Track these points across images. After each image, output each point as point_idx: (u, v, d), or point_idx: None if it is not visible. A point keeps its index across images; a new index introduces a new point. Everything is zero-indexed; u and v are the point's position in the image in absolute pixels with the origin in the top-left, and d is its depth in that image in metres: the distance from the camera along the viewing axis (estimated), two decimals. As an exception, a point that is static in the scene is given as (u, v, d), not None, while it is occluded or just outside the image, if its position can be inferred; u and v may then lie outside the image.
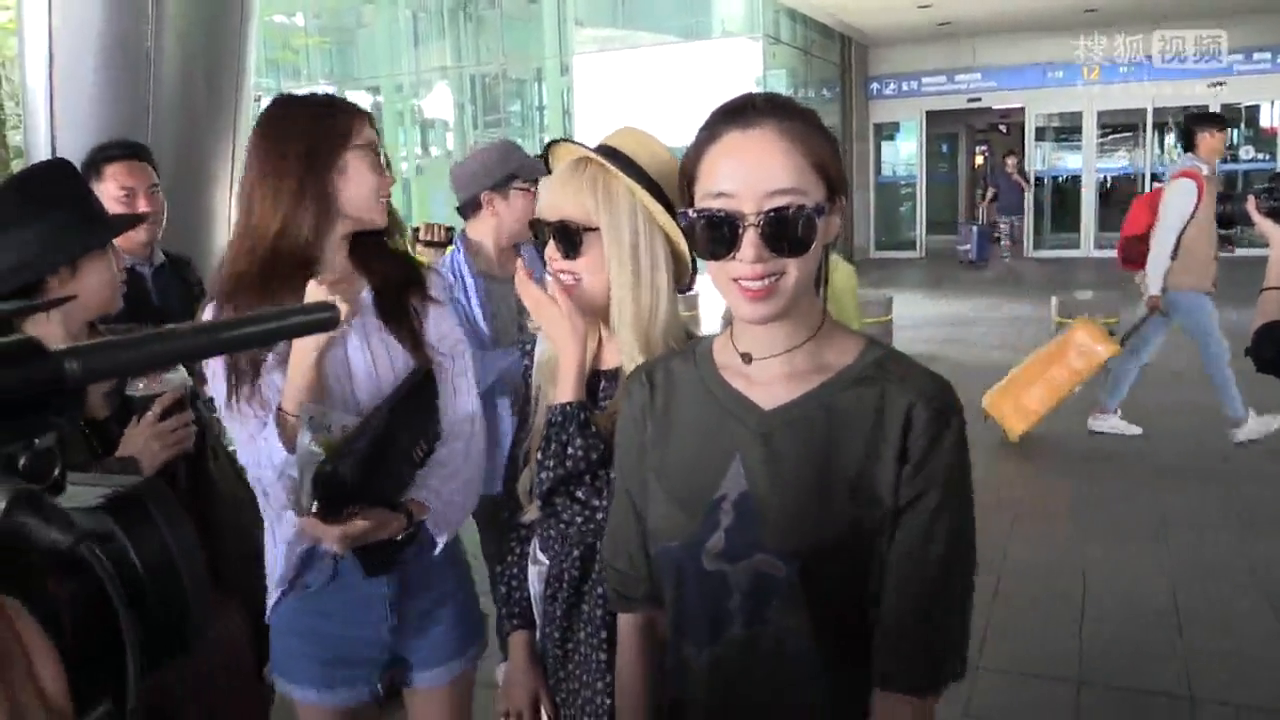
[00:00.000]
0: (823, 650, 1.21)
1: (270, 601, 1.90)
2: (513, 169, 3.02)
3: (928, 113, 17.93)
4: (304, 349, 1.70)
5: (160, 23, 5.61)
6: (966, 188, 21.67)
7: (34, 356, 0.54)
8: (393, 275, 1.88)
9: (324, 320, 0.71)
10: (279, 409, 1.73)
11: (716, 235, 1.15)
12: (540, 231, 1.61)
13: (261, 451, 1.74)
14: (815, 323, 1.25)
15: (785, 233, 1.14)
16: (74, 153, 5.67)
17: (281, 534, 1.83)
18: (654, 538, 1.32)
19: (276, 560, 1.86)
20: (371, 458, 1.64)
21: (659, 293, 1.56)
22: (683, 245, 1.56)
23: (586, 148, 1.61)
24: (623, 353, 1.58)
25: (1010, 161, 17.20)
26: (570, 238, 1.56)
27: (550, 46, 16.88)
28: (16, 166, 12.96)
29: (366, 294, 1.84)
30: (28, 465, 0.54)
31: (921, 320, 10.67)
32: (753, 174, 1.14)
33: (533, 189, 2.96)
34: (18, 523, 0.50)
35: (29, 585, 0.53)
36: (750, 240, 1.14)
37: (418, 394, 1.78)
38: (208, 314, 1.77)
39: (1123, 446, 6.15)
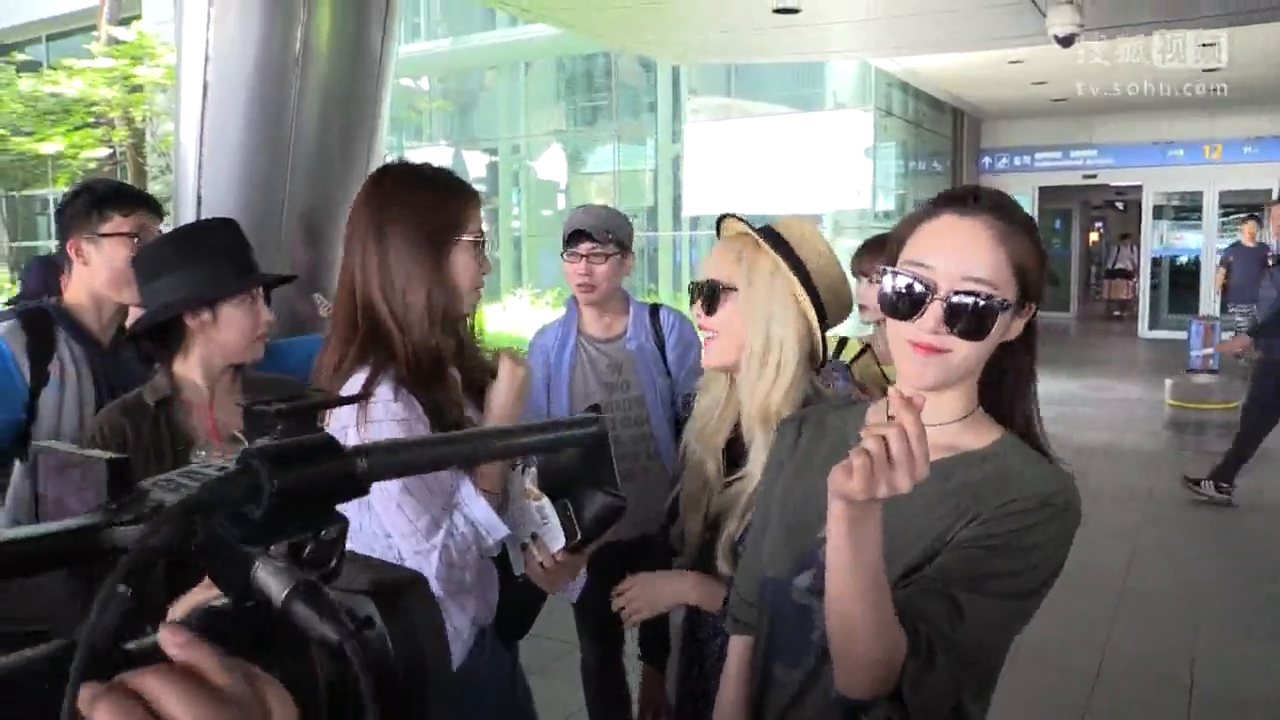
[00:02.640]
0: (890, 698, 1.23)
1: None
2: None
3: (1040, 188, 17.69)
4: (495, 419, 1.71)
5: (304, 89, 5.97)
6: (1080, 264, 21.24)
7: (332, 454, 0.58)
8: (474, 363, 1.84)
9: (592, 435, 0.72)
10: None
11: (905, 297, 1.24)
12: (693, 291, 1.78)
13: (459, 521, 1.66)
14: (968, 408, 1.32)
15: (966, 316, 1.21)
16: (217, 205, 6.04)
17: (464, 616, 1.76)
18: (762, 569, 1.42)
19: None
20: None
21: (786, 367, 1.66)
22: (815, 326, 1.68)
23: (748, 223, 1.76)
24: (745, 425, 1.73)
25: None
26: (711, 295, 1.72)
27: (663, 114, 17.30)
28: (156, 214, 13.76)
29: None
30: (312, 553, 0.57)
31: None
32: (955, 255, 1.23)
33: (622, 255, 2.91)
34: (294, 611, 0.53)
35: (292, 663, 0.55)
36: (933, 312, 1.22)
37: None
38: (385, 392, 1.66)
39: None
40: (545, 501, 1.68)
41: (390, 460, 0.61)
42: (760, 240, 1.69)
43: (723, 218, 1.82)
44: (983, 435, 1.32)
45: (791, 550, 1.36)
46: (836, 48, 11.41)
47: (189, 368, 2.02)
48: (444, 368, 1.70)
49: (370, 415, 1.61)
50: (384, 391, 1.63)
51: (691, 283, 1.80)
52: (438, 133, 20.18)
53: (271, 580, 0.54)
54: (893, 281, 1.25)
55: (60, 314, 2.32)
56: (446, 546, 1.60)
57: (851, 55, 13.17)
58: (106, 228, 2.32)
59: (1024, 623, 1.25)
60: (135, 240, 2.32)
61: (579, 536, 1.66)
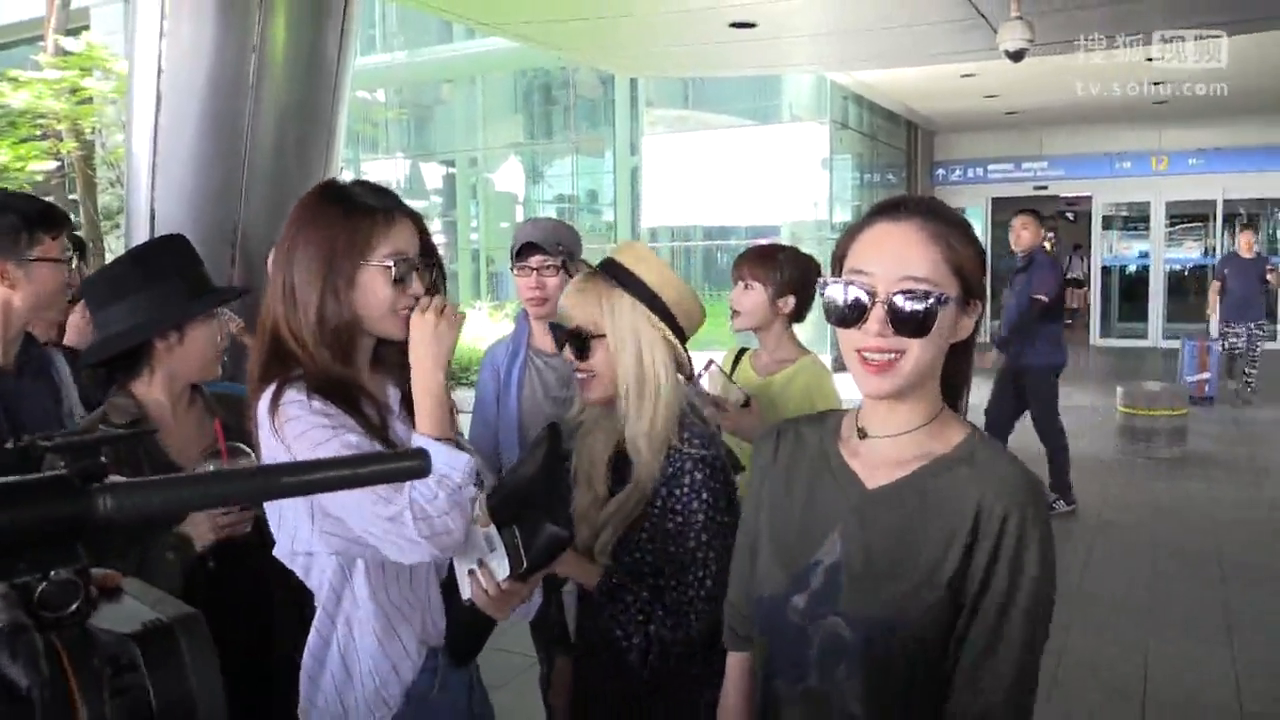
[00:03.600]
0: (879, 718, 1.27)
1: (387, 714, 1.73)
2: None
3: (993, 199, 17.96)
4: (425, 369, 1.62)
5: (259, 100, 5.92)
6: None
7: (62, 494, 0.56)
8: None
9: (412, 469, 0.68)
10: (424, 435, 1.62)
11: (849, 306, 1.27)
12: (559, 333, 1.89)
13: (426, 492, 1.57)
14: (931, 412, 1.34)
15: (909, 314, 1.24)
16: (170, 218, 5.96)
17: (412, 635, 1.72)
18: (755, 586, 1.44)
19: (396, 669, 1.72)
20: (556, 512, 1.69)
21: (661, 391, 1.81)
22: (678, 349, 1.85)
23: (597, 263, 1.90)
24: (629, 438, 1.83)
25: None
26: (581, 344, 1.84)
27: (621, 126, 17.34)
28: (105, 227, 13.54)
29: (393, 394, 1.77)
30: (45, 596, 0.55)
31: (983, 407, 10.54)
32: (891, 259, 1.26)
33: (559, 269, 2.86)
34: None
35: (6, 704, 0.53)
36: (877, 316, 1.25)
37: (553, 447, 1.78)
38: (293, 396, 1.62)
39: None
40: (492, 529, 1.67)
41: (141, 499, 0.58)
42: (607, 282, 1.83)
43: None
44: (950, 437, 1.34)
45: (786, 570, 1.38)
46: (792, 61, 11.52)
47: (152, 388, 2.02)
48: (351, 392, 1.65)
49: (286, 414, 1.58)
50: (291, 395, 1.61)
51: (556, 326, 1.90)
52: (394, 145, 20.08)
53: None
54: (835, 291, 1.28)
55: None
56: (413, 501, 1.52)
57: (807, 69, 13.31)
58: (36, 251, 2.20)
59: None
60: (62, 265, 2.23)
61: (524, 566, 1.63)
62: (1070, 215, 21.56)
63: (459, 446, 1.62)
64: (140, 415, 1.99)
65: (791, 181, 14.45)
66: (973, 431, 1.36)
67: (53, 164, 14.00)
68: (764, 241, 3.45)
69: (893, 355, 1.25)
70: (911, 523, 1.29)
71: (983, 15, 7.79)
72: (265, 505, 1.72)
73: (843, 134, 15.22)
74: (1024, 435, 6.66)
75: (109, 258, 13.27)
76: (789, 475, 1.44)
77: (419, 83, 19.90)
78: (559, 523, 1.64)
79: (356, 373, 1.70)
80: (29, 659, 0.52)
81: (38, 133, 13.52)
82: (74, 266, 2.75)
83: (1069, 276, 20.51)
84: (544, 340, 2.85)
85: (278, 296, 1.67)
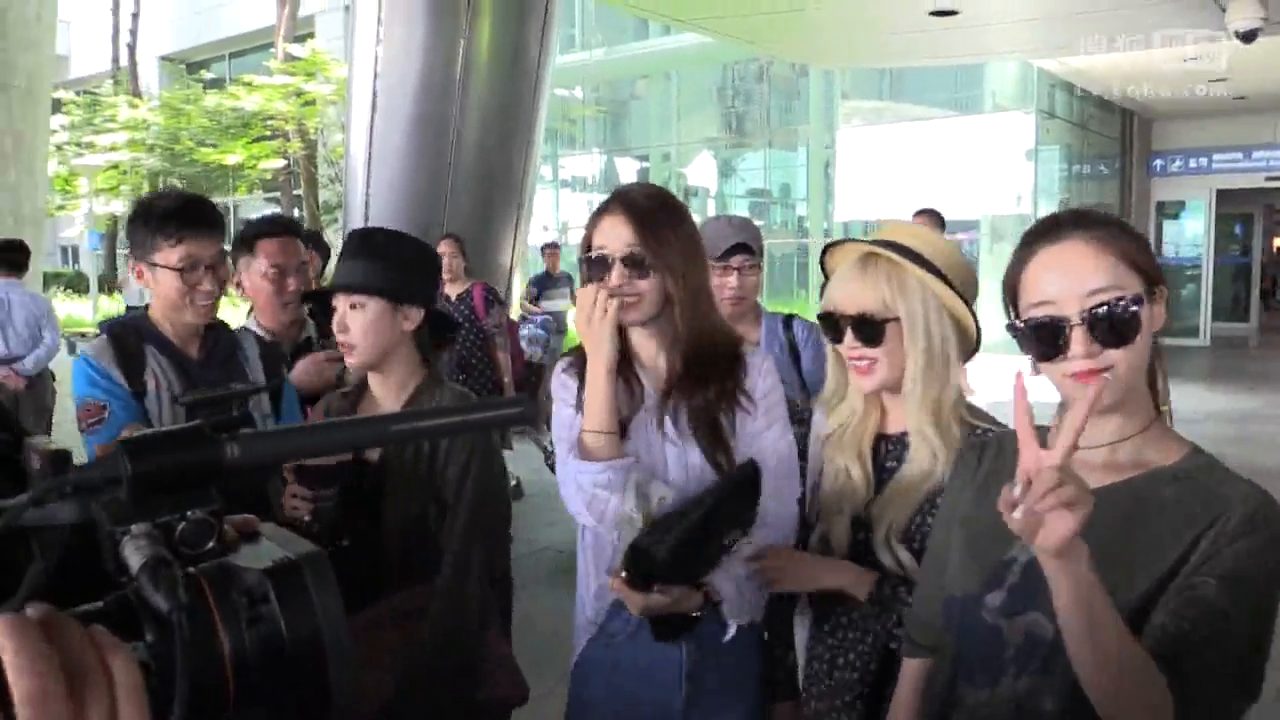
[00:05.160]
0: (1078, 714, 1.22)
1: (577, 646, 1.93)
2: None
3: (1218, 191, 16.72)
4: (594, 371, 1.74)
5: (465, 100, 6.20)
6: (1263, 271, 19.98)
7: (197, 443, 0.62)
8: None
9: (512, 416, 0.72)
10: (582, 430, 1.75)
11: (1045, 339, 1.25)
12: (833, 324, 1.74)
13: (567, 466, 1.77)
14: (1145, 420, 1.31)
15: (1109, 325, 1.22)
16: (383, 213, 6.32)
17: (593, 582, 1.87)
18: (945, 588, 1.42)
19: (586, 603, 1.91)
20: (688, 543, 1.64)
21: (949, 370, 1.70)
22: (969, 322, 1.71)
23: (871, 243, 1.75)
24: (911, 426, 1.73)
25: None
26: (871, 329, 1.70)
27: (816, 119, 17.20)
28: (325, 220, 14.49)
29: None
30: (184, 534, 0.61)
31: (1204, 414, 9.85)
32: (1068, 279, 1.25)
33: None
34: (141, 584, 0.57)
35: (157, 634, 0.58)
36: (1078, 339, 1.23)
37: (746, 486, 1.76)
38: (555, 376, 1.88)
39: None
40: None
41: (263, 446, 0.64)
42: (897, 258, 1.70)
43: (831, 246, 1.85)
44: (1170, 451, 1.30)
45: (980, 568, 1.36)
46: (996, 49, 11.10)
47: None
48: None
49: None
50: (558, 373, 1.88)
51: (828, 314, 1.76)
52: (591, 141, 20.54)
53: (132, 557, 0.58)
54: (1026, 331, 1.27)
55: (146, 328, 2.27)
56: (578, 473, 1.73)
57: (1012, 56, 12.78)
58: (157, 257, 2.18)
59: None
60: (187, 272, 2.17)
61: (622, 573, 1.64)
62: (1308, 208, 19.83)
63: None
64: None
65: (993, 174, 13.92)
66: (1197, 448, 1.31)
67: (280, 162, 15.11)
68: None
69: (1105, 371, 1.23)
70: (1123, 523, 1.25)
71: (1209, -7, 7.26)
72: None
73: (1050, 123, 14.53)
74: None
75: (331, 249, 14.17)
76: (987, 485, 1.41)
77: (616, 79, 20.30)
78: (660, 547, 1.61)
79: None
80: (170, 588, 0.56)
81: (268, 133, 14.60)
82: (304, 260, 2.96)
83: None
84: None
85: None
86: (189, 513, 0.61)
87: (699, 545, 1.67)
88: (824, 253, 1.87)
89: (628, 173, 20.70)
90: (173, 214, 2.17)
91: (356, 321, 1.99)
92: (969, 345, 1.75)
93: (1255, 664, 1.18)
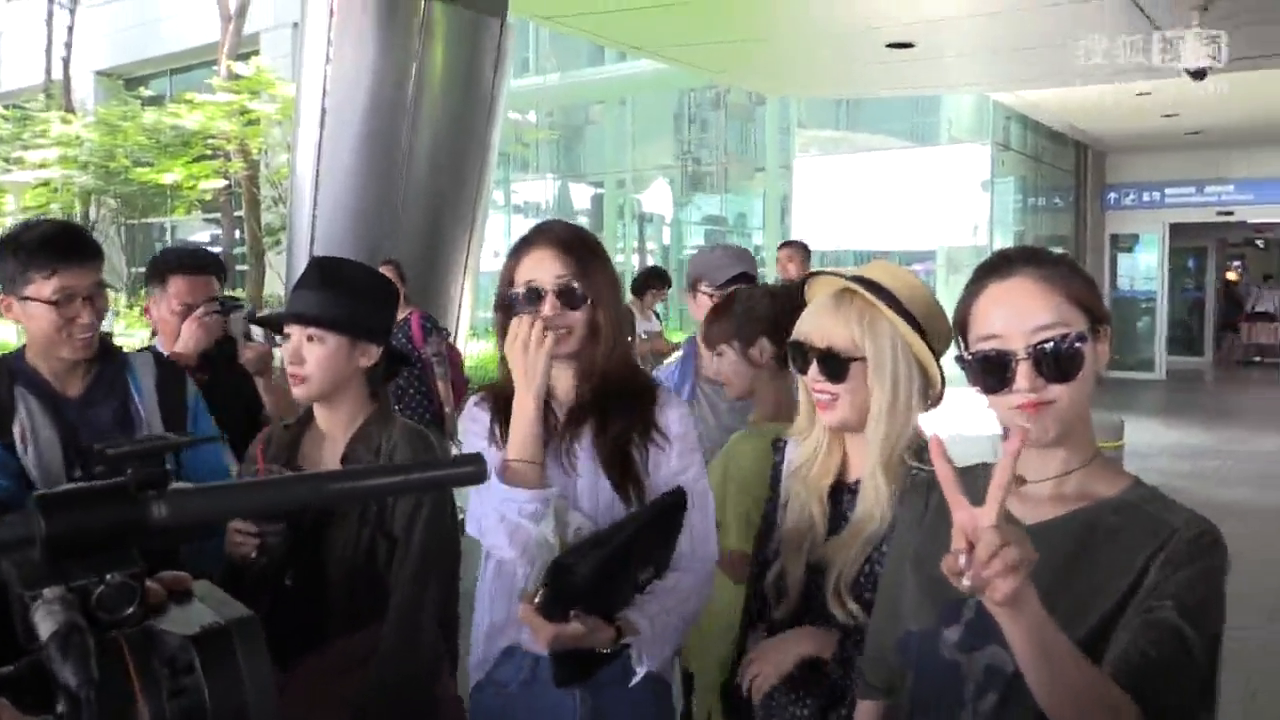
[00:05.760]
0: None
1: (469, 687, 1.94)
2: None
3: (1171, 225, 17.15)
4: (524, 401, 1.76)
5: (416, 125, 6.21)
6: (1217, 305, 20.53)
7: (117, 499, 0.59)
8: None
9: (464, 476, 0.70)
10: (504, 459, 1.77)
11: (992, 372, 1.31)
12: (801, 354, 1.78)
13: (486, 496, 1.76)
14: (1088, 455, 1.36)
15: (1054, 361, 1.28)
16: (330, 236, 6.28)
17: (487, 619, 1.89)
18: (901, 624, 1.46)
19: (477, 643, 1.92)
20: (607, 568, 1.65)
21: (910, 415, 1.75)
22: (934, 370, 1.76)
23: (848, 279, 1.79)
24: (865, 469, 1.76)
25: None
26: (836, 364, 1.74)
27: (772, 148, 17.35)
28: (268, 243, 14.37)
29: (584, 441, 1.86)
30: (102, 599, 0.58)
31: (1158, 449, 10.04)
32: (1016, 315, 1.31)
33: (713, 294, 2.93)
34: (49, 655, 0.54)
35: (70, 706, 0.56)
36: (1023, 373, 1.29)
37: (666, 518, 1.80)
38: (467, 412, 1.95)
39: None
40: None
41: (194, 505, 0.62)
42: (871, 298, 1.74)
43: (812, 276, 1.89)
44: (1114, 482, 1.36)
45: (935, 603, 1.39)
46: (953, 82, 11.34)
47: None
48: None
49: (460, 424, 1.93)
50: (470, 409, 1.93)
51: (797, 344, 1.80)
52: (545, 165, 20.58)
53: (43, 623, 0.55)
54: (973, 364, 1.34)
55: (19, 368, 2.16)
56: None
57: (969, 89, 13.05)
58: (29, 290, 2.08)
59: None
60: (62, 305, 2.07)
61: (536, 598, 1.64)
62: (1260, 243, 20.42)
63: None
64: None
65: (950, 205, 14.16)
66: (1139, 480, 1.37)
67: (221, 183, 14.96)
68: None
69: (1047, 405, 1.29)
70: (1074, 553, 1.30)
71: (1159, 29, 7.50)
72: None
73: (1005, 155, 14.82)
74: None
75: (269, 274, 14.11)
76: (936, 524, 1.43)
77: (570, 104, 20.36)
78: (583, 565, 1.62)
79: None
80: (79, 661, 0.54)
81: (209, 153, 14.46)
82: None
83: (1258, 309, 19.46)
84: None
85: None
86: (108, 575, 0.58)
87: (618, 573, 1.69)
88: (803, 282, 1.92)
89: (581, 198, 20.74)
90: (46, 243, 2.08)
91: (313, 354, 1.98)
92: (934, 395, 1.80)
93: (1213, 680, 1.24)
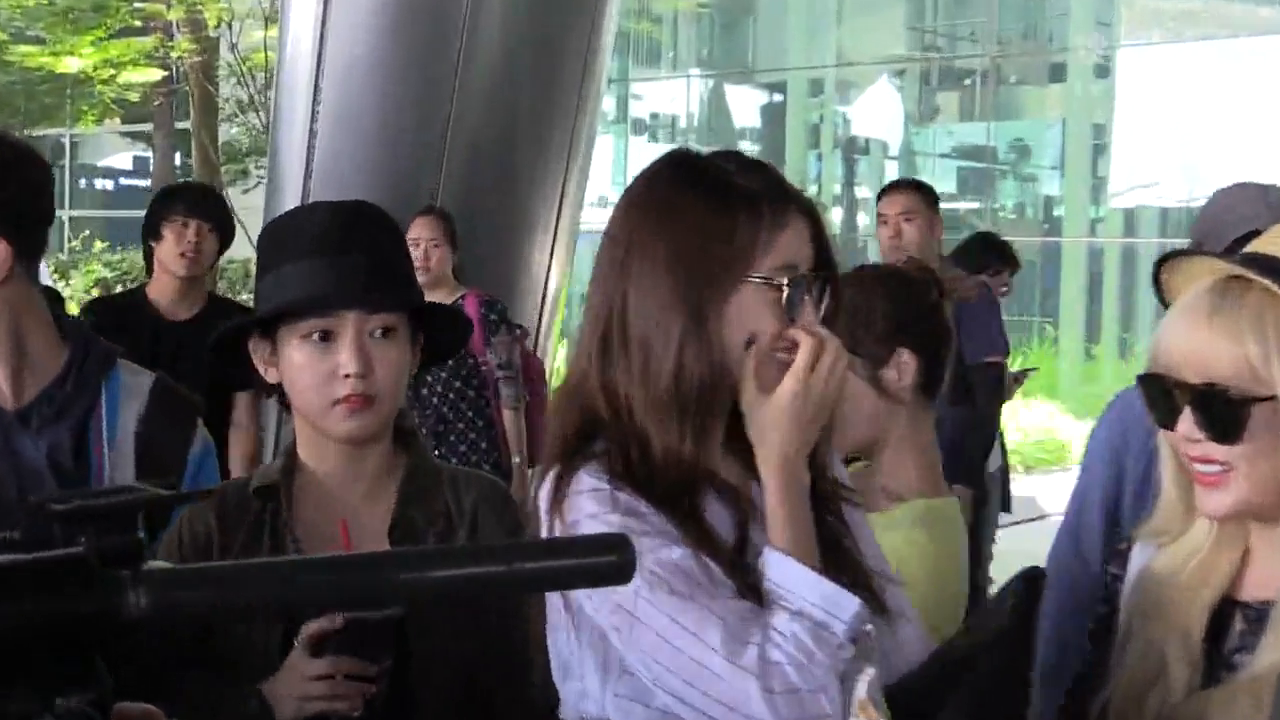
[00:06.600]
0: None
1: None
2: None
3: None
4: (781, 444, 1.81)
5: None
6: None
7: (75, 581, 0.65)
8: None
9: (604, 568, 0.80)
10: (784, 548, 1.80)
11: None
12: (1162, 395, 1.80)
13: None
14: None
15: None
16: (339, 163, 6.20)
17: None
18: None
19: None
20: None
21: None
22: None
23: (1238, 263, 1.81)
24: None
25: None
26: (1225, 412, 1.73)
27: (1078, 33, 17.30)
28: (229, 174, 14.62)
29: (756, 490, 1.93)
30: None
31: None
32: None
33: None
34: None
35: None
36: None
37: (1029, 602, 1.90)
38: (592, 488, 1.83)
39: None
40: None
41: (188, 593, 0.68)
42: (1268, 295, 1.72)
43: (1170, 258, 1.92)
44: None
45: None
46: None
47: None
48: (696, 486, 1.84)
49: (576, 510, 1.81)
50: (588, 482, 1.82)
51: (1155, 379, 1.83)
52: (686, 57, 20.69)
53: None
54: None
55: None
56: (774, 663, 1.67)
57: None
58: None
59: None
60: None
61: None
62: None
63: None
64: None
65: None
66: None
67: (157, 74, 15.26)
68: None
69: None
70: None
71: None
72: (551, 646, 1.92)
73: None
74: None
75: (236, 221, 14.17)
76: None
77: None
78: None
79: (709, 455, 1.86)
80: None
81: (137, 24, 14.74)
82: None
83: None
84: None
85: (592, 334, 1.89)
86: (58, 700, 0.63)
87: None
88: (1158, 269, 1.93)
89: (745, 109, 20.89)
90: None
91: (387, 357, 2.18)
92: None
93: None
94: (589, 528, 1.79)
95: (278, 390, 2.27)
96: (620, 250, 1.89)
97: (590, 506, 1.81)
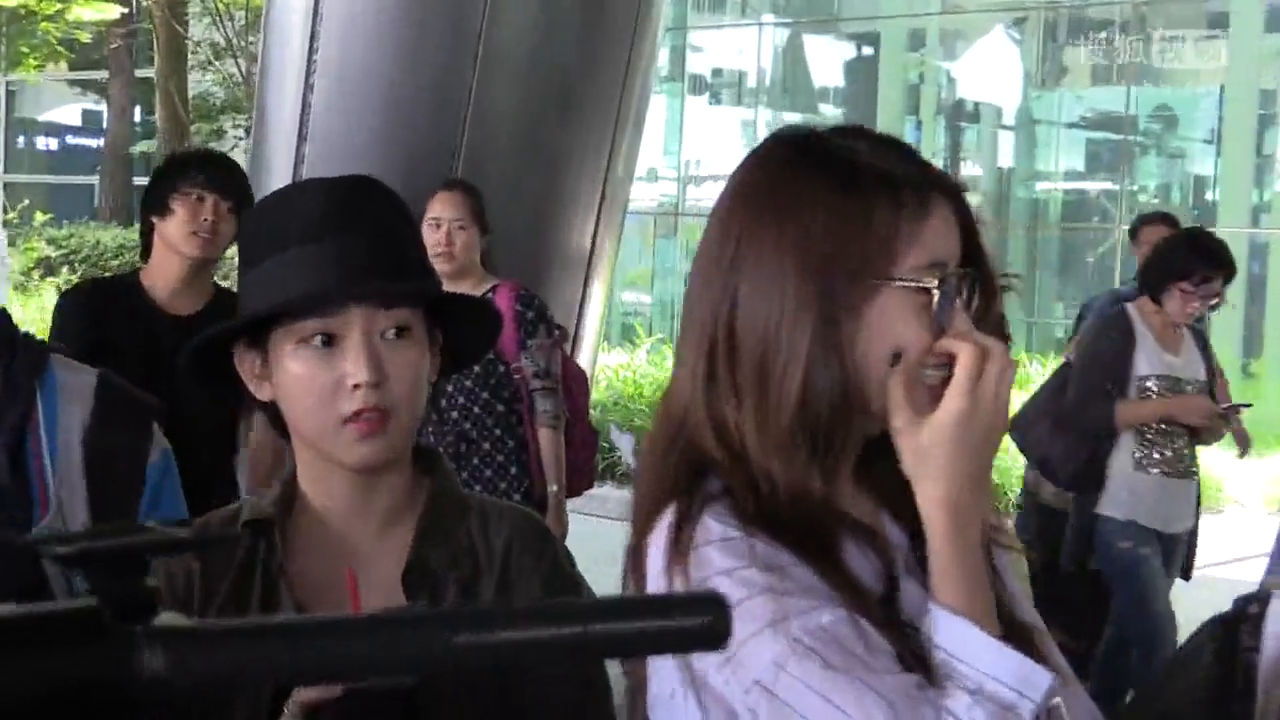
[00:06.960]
0: None
1: None
2: None
3: None
4: (946, 481, 1.80)
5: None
6: None
7: (82, 638, 0.64)
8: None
9: (692, 632, 0.79)
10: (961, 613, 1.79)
11: None
12: None
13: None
14: None
15: None
16: (344, 123, 6.34)
17: None
18: None
19: None
20: None
21: None
22: None
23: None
24: None
25: None
26: None
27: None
28: (201, 134, 14.74)
29: (894, 531, 1.96)
30: None
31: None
32: None
33: None
34: None
35: None
36: None
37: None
38: (723, 537, 1.82)
39: None
40: None
41: (211, 657, 0.68)
42: None
43: None
44: None
45: None
46: None
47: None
48: (829, 529, 1.85)
49: (704, 565, 1.79)
50: (715, 529, 1.81)
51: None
52: (758, 2, 20.74)
53: None
54: None
55: None
56: None
57: None
58: None
59: None
60: None
61: None
62: None
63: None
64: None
65: None
66: None
67: (114, 11, 15.42)
68: None
69: None
70: None
71: None
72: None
73: None
74: None
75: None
76: None
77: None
78: None
79: (838, 494, 1.88)
80: None
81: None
82: None
83: None
84: None
85: (697, 350, 1.90)
86: None
87: None
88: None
89: (828, 66, 20.86)
90: None
91: (402, 360, 2.18)
92: None
93: None
94: (722, 587, 1.72)
95: (271, 409, 2.27)
96: (730, 246, 1.88)
97: (722, 561, 1.79)
